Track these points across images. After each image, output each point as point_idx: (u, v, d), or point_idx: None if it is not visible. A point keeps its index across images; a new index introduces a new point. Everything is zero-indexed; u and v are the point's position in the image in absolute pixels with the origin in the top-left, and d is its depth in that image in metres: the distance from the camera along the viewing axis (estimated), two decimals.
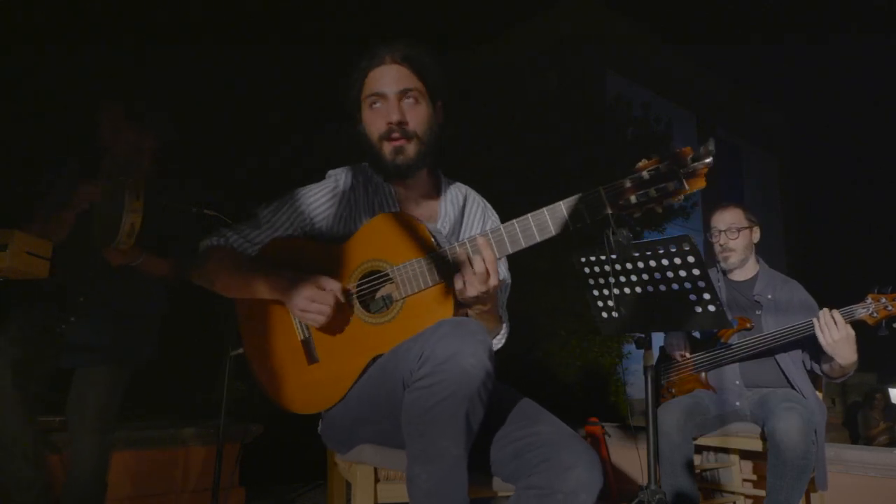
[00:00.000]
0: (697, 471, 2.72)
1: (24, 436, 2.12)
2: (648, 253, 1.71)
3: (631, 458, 3.71)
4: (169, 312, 2.45)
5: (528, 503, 1.26)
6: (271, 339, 1.53)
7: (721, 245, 2.70)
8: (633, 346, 1.94)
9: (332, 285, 1.40)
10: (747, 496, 2.79)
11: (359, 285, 1.44)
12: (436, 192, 1.64)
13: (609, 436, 3.84)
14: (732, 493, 2.77)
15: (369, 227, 1.45)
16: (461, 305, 1.39)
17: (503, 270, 1.65)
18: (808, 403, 2.35)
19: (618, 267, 1.78)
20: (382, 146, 1.49)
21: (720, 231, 2.69)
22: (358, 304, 1.44)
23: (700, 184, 1.17)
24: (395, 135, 1.47)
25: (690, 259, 1.69)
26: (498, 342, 1.60)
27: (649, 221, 6.39)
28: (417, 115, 1.49)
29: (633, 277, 1.78)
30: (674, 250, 1.69)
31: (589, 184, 1.26)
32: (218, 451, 2.41)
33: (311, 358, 1.47)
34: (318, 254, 1.50)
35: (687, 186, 1.17)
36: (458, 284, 1.31)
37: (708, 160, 1.16)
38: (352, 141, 1.58)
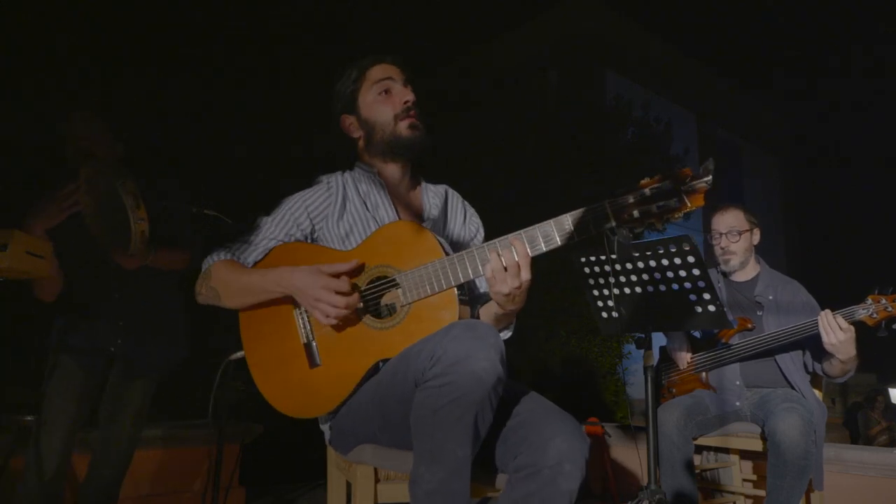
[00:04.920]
0: (697, 471, 2.71)
1: (63, 467, 2.15)
2: (648, 253, 1.71)
3: (631, 458, 3.71)
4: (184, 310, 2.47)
5: (518, 485, 1.26)
6: (272, 343, 1.52)
7: (722, 248, 2.67)
8: (633, 346, 1.94)
9: (345, 272, 1.42)
10: (747, 496, 2.79)
11: (365, 289, 1.45)
12: (417, 190, 1.73)
13: (609, 436, 3.84)
14: (732, 493, 2.77)
15: (378, 234, 1.48)
16: (468, 308, 1.41)
17: None
18: (807, 403, 2.35)
19: (618, 267, 1.78)
20: (398, 125, 1.59)
21: (721, 234, 2.66)
22: (363, 308, 1.45)
23: (699, 202, 1.22)
24: (412, 112, 1.60)
25: (690, 259, 1.69)
26: (504, 336, 1.61)
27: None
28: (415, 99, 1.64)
29: (633, 277, 1.78)
30: (674, 250, 1.69)
31: (588, 184, 1.28)
32: (218, 451, 2.41)
33: (313, 362, 1.47)
34: (325, 259, 1.49)
35: (689, 203, 1.22)
36: (489, 279, 1.34)
37: (707, 178, 1.20)
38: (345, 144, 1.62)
